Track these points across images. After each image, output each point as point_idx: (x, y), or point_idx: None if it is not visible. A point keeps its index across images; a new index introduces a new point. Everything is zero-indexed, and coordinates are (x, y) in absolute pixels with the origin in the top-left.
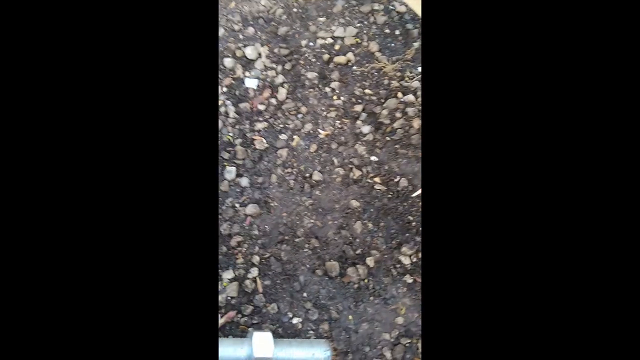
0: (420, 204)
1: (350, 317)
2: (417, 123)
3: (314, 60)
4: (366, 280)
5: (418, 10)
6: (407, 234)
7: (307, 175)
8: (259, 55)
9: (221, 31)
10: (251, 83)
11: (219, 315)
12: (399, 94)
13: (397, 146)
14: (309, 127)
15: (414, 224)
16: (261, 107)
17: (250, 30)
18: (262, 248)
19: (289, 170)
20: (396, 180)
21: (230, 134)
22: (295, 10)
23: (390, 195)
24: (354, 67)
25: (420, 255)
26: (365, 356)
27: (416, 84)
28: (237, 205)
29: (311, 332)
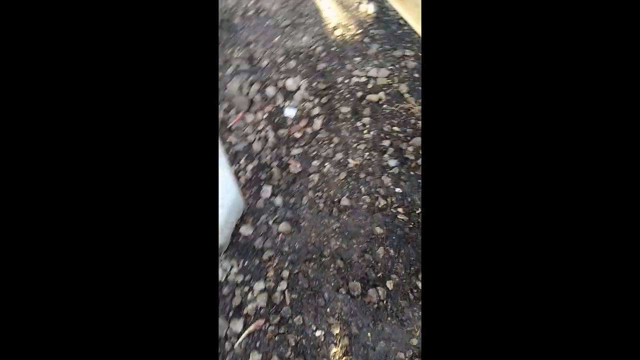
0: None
1: (369, 334)
2: None
3: (348, 96)
4: (385, 302)
5: None
6: None
7: (336, 200)
8: (299, 87)
9: (265, 62)
10: (290, 112)
11: (247, 323)
12: None
13: (420, 181)
14: (339, 156)
15: None
16: (297, 135)
17: (292, 63)
18: (291, 264)
19: (320, 194)
20: (418, 212)
21: (268, 157)
22: (334, 49)
23: (411, 225)
24: (385, 106)
25: None
26: None
27: None
28: (270, 222)
29: (332, 344)
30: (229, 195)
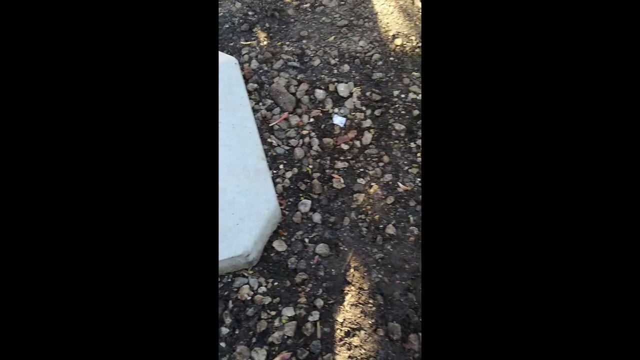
0: None
1: None
2: None
3: (403, 112)
4: None
5: None
6: None
7: (381, 226)
8: (351, 94)
9: (316, 61)
10: (339, 120)
11: (272, 353)
12: None
13: None
14: (388, 177)
15: None
16: (344, 147)
17: (346, 67)
18: (326, 292)
19: (363, 217)
20: None
21: (310, 166)
22: (391, 59)
23: None
24: None
25: None
26: None
27: None
28: (306, 240)
29: None
30: (268, 205)
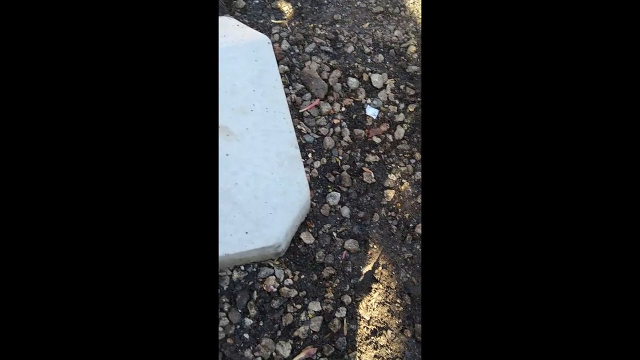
0: None
1: None
2: None
3: None
4: None
5: None
6: None
7: (411, 225)
8: (384, 86)
9: (350, 48)
10: (372, 112)
11: (297, 348)
12: None
13: None
14: (419, 175)
15: None
16: (376, 140)
17: (380, 57)
18: (353, 288)
19: (393, 214)
20: None
21: (340, 157)
22: None
23: None
24: None
25: None
26: None
27: None
28: (334, 234)
29: None
30: (300, 196)
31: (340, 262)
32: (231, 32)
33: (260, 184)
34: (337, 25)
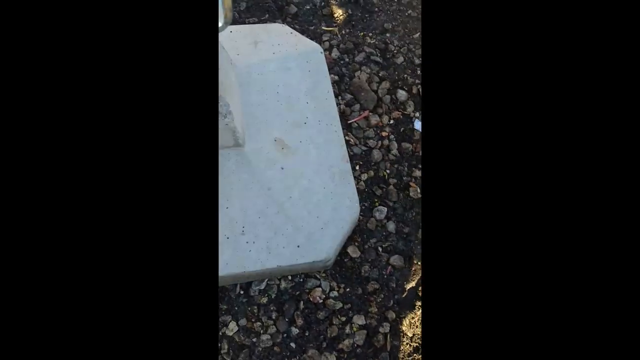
0: None
1: None
2: None
3: None
4: None
5: None
6: None
7: None
8: None
9: (400, 58)
10: (420, 126)
11: None
12: None
13: None
14: None
15: None
16: None
17: None
18: (397, 304)
19: None
20: None
21: (387, 171)
22: None
23: None
24: None
25: None
26: None
27: None
28: (380, 248)
29: None
30: (351, 212)
31: (385, 277)
32: (285, 40)
33: (313, 199)
34: (388, 35)
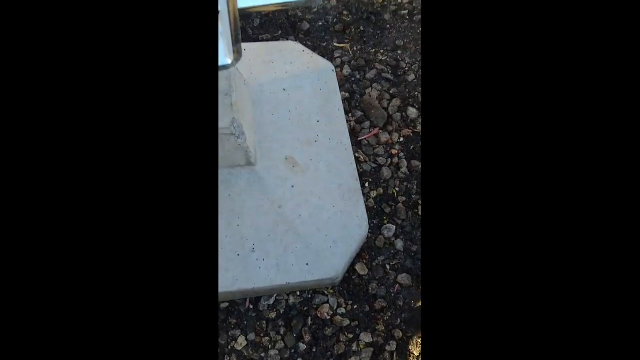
0: None
1: None
2: None
3: None
4: None
5: None
6: None
7: None
8: None
9: (411, 76)
10: None
11: None
12: None
13: None
14: None
15: None
16: None
17: None
18: (404, 323)
19: None
20: None
21: (397, 189)
22: None
23: None
24: None
25: None
26: None
27: None
28: (388, 266)
29: None
30: (360, 230)
31: (393, 295)
32: (297, 58)
33: (323, 217)
34: (399, 52)
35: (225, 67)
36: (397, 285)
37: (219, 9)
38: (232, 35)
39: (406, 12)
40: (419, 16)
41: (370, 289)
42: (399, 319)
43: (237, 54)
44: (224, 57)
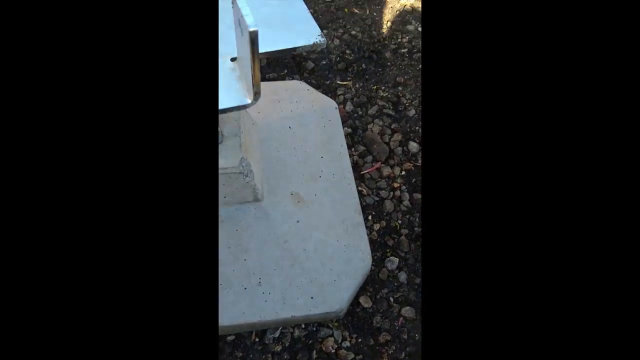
0: None
1: None
2: None
3: None
4: None
5: None
6: None
7: None
8: None
9: (411, 111)
10: None
11: None
12: None
13: None
14: None
15: None
16: None
17: None
18: (408, 357)
19: None
20: None
21: (399, 222)
22: None
23: None
24: None
25: None
26: None
27: None
28: (391, 299)
29: None
30: (363, 264)
31: (397, 328)
32: (302, 97)
33: (327, 251)
34: (400, 88)
35: (245, 106)
36: (400, 318)
37: (238, 55)
38: (252, 78)
39: (406, 50)
40: (419, 54)
41: (374, 322)
42: (403, 353)
43: (257, 94)
44: (244, 97)
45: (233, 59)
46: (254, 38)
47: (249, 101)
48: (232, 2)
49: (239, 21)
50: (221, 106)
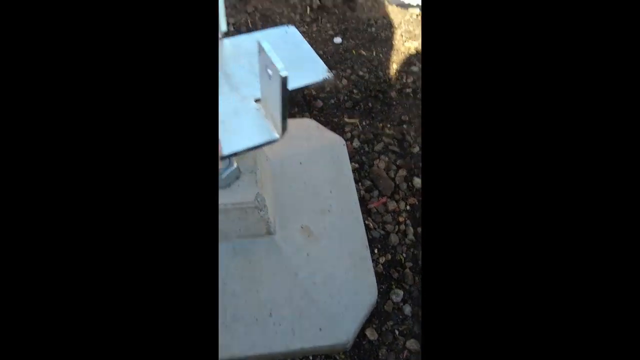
0: None
1: None
2: None
3: None
4: None
5: None
6: None
7: None
8: None
9: (416, 148)
10: None
11: None
12: None
13: None
14: None
15: None
16: None
17: None
18: None
19: None
20: None
21: (404, 255)
22: None
23: None
24: None
25: None
26: None
27: None
28: (396, 332)
29: None
30: (370, 297)
31: None
32: (313, 134)
33: (335, 283)
34: (405, 126)
35: (274, 141)
36: (405, 351)
37: (263, 95)
38: (281, 115)
39: (410, 90)
40: (421, 95)
41: (380, 354)
42: None
43: (284, 130)
44: (273, 133)
45: (257, 100)
46: (284, 82)
47: (278, 136)
48: (259, 50)
49: (266, 66)
50: (253, 143)
